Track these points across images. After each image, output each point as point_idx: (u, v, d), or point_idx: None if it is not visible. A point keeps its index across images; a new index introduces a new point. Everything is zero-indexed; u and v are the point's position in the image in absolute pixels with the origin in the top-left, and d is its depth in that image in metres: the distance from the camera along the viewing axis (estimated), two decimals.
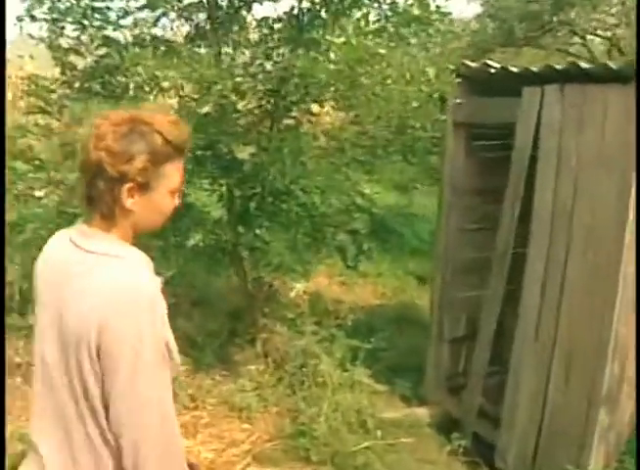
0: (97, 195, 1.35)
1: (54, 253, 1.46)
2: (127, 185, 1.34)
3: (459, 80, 3.78)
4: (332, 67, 3.40)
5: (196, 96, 3.77)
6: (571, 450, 3.47)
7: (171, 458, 1.35)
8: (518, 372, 3.78)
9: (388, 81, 3.38)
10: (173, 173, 1.41)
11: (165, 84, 3.72)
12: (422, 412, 4.41)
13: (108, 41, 3.98)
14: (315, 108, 4.60)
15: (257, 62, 3.87)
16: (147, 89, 3.50)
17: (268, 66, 3.90)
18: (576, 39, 10.28)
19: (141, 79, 3.32)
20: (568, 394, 3.49)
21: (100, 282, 1.30)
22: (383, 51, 3.30)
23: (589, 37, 10.14)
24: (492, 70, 3.90)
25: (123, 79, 3.60)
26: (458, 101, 3.87)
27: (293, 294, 4.45)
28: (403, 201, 9.12)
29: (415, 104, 3.51)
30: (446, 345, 4.60)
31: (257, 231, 4.39)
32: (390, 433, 4.13)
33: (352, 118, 4.45)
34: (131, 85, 3.47)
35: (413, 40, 3.93)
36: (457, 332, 4.63)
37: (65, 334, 1.32)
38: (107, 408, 1.30)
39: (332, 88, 3.81)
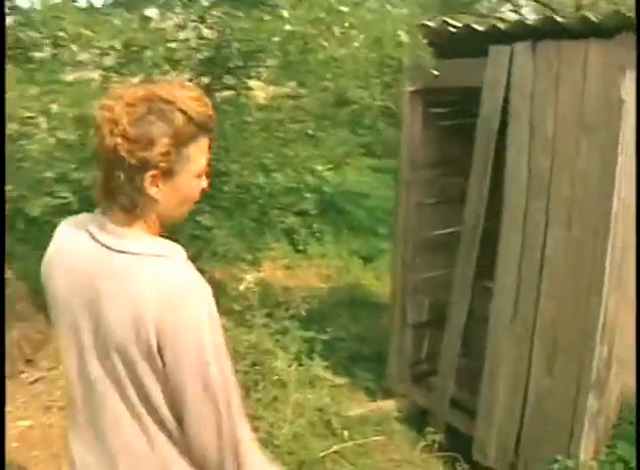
0: (116, 186, 1.22)
1: (71, 252, 1.31)
2: (150, 173, 1.20)
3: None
4: (281, 28, 2.92)
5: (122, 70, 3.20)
6: (560, 439, 3.22)
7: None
8: (494, 358, 3.49)
9: (355, 45, 2.91)
10: (198, 155, 1.27)
11: (84, 57, 3.13)
12: (388, 406, 4.08)
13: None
14: (253, 81, 4.11)
15: (191, 25, 3.34)
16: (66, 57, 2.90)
17: (204, 30, 3.38)
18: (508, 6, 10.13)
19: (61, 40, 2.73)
20: (553, 380, 3.23)
21: (149, 282, 1.20)
22: (345, 9, 2.83)
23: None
24: (453, 30, 3.54)
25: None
26: (435, 73, 3.47)
27: (242, 287, 4.01)
28: (351, 177, 8.74)
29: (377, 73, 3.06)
30: (409, 331, 4.28)
31: (197, 218, 3.89)
32: (358, 432, 3.78)
33: (297, 89, 4.01)
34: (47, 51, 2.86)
35: None
36: (420, 317, 4.32)
37: (105, 340, 1.24)
38: (171, 405, 1.26)
39: (278, 54, 3.32)
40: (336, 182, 6.89)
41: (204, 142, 1.27)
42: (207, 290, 1.24)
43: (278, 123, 3.98)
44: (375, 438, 3.77)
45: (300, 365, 4.08)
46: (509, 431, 3.45)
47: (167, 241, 1.29)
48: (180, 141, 1.21)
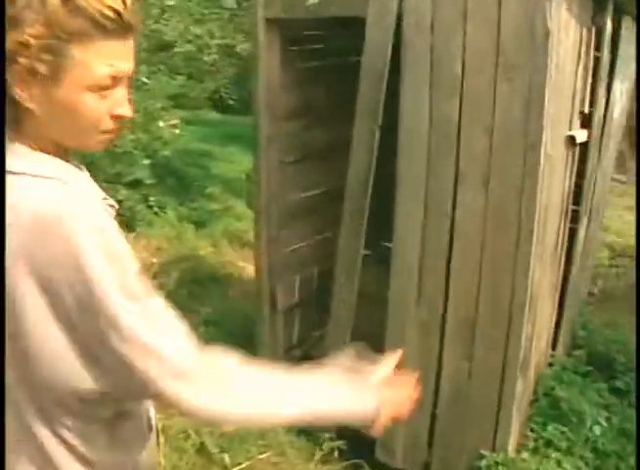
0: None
1: None
2: (13, 66, 0.94)
3: None
4: None
5: None
6: (482, 431, 2.80)
7: None
8: (397, 348, 2.94)
9: None
10: (93, 62, 0.97)
11: None
12: None
13: None
14: None
15: None
16: None
17: None
18: None
19: None
20: (472, 365, 2.76)
21: (25, 209, 0.92)
22: None
23: None
24: None
25: None
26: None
27: None
28: (185, 135, 7.59)
29: None
30: (280, 317, 3.60)
31: None
32: (239, 452, 3.08)
33: None
34: None
35: None
36: (292, 299, 3.65)
37: None
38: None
39: None
40: (176, 140, 5.83)
41: (107, 48, 0.97)
42: (104, 224, 0.97)
43: None
44: (261, 456, 3.09)
45: None
46: (419, 426, 2.97)
47: (65, 164, 1.04)
48: (55, 34, 0.93)
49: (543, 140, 2.41)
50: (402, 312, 2.90)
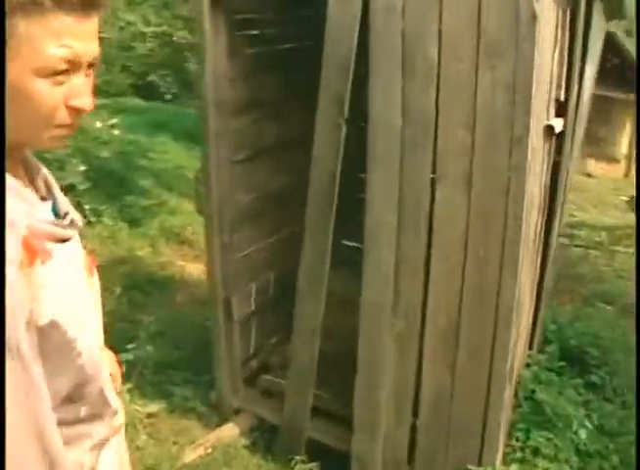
0: None
1: None
2: None
3: None
4: None
5: None
6: (468, 446, 2.62)
7: None
8: (371, 361, 2.72)
9: None
10: (44, 41, 0.80)
11: None
12: (229, 434, 3.12)
13: None
14: None
15: None
16: None
17: None
18: None
19: None
20: (455, 379, 2.57)
21: None
22: None
23: None
24: None
25: None
26: None
27: None
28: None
29: None
30: (237, 327, 3.30)
31: None
32: None
33: None
34: None
35: None
36: (249, 307, 3.36)
37: None
38: None
39: None
40: (111, 140, 5.32)
41: (61, 23, 0.80)
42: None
43: None
44: None
45: None
46: (399, 442, 2.76)
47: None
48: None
49: (530, 133, 2.21)
50: (376, 322, 2.67)
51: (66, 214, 0.97)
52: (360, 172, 2.66)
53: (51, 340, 0.87)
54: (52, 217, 0.93)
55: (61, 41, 0.81)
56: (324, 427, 3.02)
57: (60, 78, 0.83)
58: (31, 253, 0.83)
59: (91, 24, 0.84)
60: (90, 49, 0.85)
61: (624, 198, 13.16)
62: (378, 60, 2.40)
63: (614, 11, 3.20)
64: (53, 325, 0.86)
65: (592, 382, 3.22)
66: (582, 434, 2.78)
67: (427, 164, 2.40)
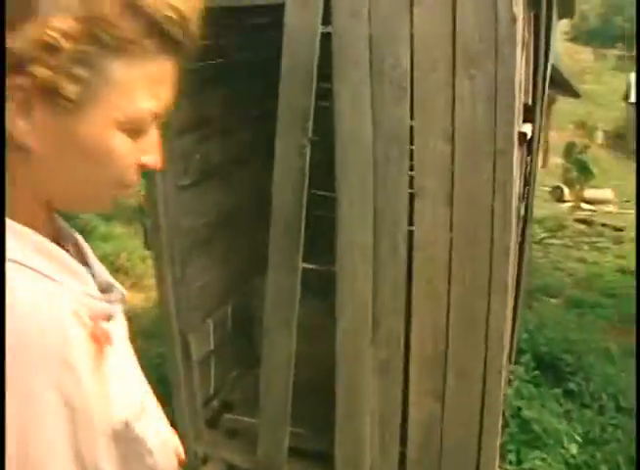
0: None
1: None
2: (17, 79, 0.59)
3: None
4: None
5: None
6: None
7: None
8: (350, 394, 2.51)
9: None
10: (135, 87, 0.65)
11: None
12: None
13: None
14: None
15: None
16: None
17: None
18: None
19: None
20: (445, 408, 2.39)
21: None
22: None
23: None
24: None
25: None
26: None
27: None
28: None
29: None
30: (196, 367, 3.01)
31: None
32: None
33: None
34: None
35: None
36: (208, 345, 3.08)
37: None
38: None
39: None
40: None
41: (155, 69, 0.66)
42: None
43: None
44: None
45: None
46: None
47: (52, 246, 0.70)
48: (97, 38, 0.60)
49: (515, 144, 2.07)
50: (355, 352, 2.46)
51: (109, 286, 0.80)
52: (319, 189, 2.47)
53: (122, 444, 0.72)
54: (99, 293, 0.76)
55: (153, 90, 0.67)
56: (303, 467, 2.79)
57: (139, 133, 0.69)
58: (98, 344, 0.69)
59: (174, 70, 0.69)
60: (169, 98, 0.70)
61: (546, 188, 13.57)
62: (343, 69, 2.19)
63: (565, 10, 3.14)
64: (126, 426, 0.73)
65: (570, 389, 3.14)
66: (573, 449, 2.68)
67: (403, 179, 2.22)
